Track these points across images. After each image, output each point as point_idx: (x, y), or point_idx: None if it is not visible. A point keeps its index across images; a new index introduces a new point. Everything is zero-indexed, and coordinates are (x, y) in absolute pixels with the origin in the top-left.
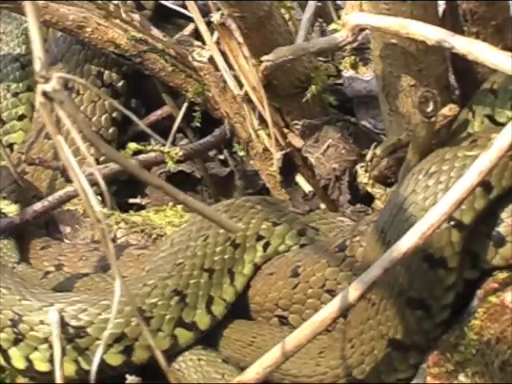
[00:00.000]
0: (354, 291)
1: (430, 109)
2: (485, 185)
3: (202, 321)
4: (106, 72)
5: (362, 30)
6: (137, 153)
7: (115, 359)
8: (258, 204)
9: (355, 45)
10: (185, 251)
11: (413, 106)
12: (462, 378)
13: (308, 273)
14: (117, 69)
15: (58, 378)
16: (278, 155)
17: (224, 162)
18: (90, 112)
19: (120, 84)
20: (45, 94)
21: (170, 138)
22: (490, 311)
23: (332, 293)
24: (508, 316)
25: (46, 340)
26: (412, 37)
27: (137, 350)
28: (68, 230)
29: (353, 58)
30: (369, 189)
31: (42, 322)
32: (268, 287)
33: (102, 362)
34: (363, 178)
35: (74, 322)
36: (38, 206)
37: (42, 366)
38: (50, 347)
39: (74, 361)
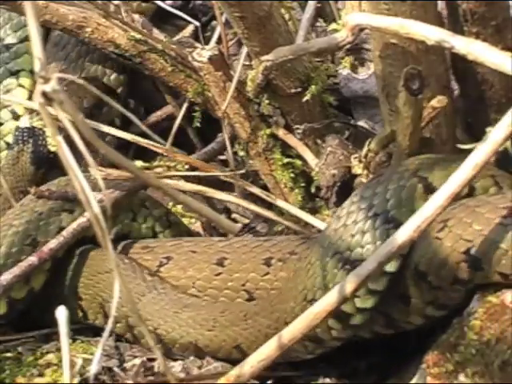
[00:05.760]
0: (349, 285)
1: (415, 86)
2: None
3: None
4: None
5: (362, 29)
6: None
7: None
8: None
9: (349, 46)
10: None
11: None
12: (461, 378)
13: (233, 267)
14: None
15: (67, 377)
16: None
17: (224, 162)
18: None
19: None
20: (44, 94)
21: (170, 139)
22: (489, 311)
23: (249, 293)
24: (508, 316)
25: None
26: (412, 37)
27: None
28: None
29: (349, 58)
30: (363, 180)
31: None
32: (189, 264)
33: None
34: (357, 168)
35: None
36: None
37: None
38: None
39: None
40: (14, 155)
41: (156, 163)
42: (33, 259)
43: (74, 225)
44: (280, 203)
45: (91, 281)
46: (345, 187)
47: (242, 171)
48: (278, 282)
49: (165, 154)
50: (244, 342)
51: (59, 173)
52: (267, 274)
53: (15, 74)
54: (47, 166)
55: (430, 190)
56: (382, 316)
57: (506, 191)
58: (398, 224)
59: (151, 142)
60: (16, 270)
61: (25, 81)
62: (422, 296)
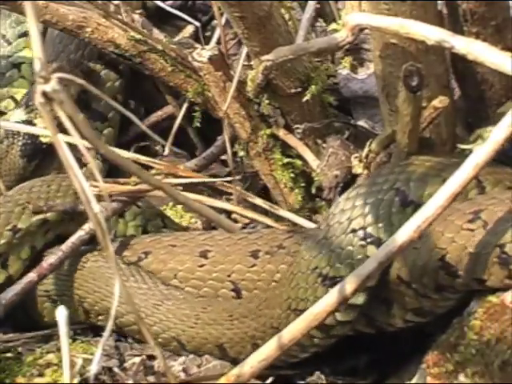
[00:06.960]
0: (349, 285)
1: (414, 83)
2: None
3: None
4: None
5: (362, 29)
6: None
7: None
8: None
9: (349, 46)
10: None
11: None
12: (461, 378)
13: (217, 259)
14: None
15: (67, 377)
16: None
17: (224, 162)
18: None
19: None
20: (44, 94)
21: (170, 139)
22: (489, 311)
23: (234, 284)
24: (508, 316)
25: None
26: (412, 37)
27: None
28: None
29: (349, 58)
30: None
31: None
32: (170, 256)
33: None
34: (358, 168)
35: None
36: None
37: None
38: None
39: None
40: (3, 149)
41: (153, 171)
42: (32, 275)
43: (73, 239)
44: (278, 211)
45: (66, 281)
46: (347, 188)
47: (238, 177)
48: (265, 274)
49: (165, 171)
50: (228, 342)
51: (52, 162)
52: (254, 265)
53: (17, 66)
54: (41, 156)
55: (407, 203)
56: (364, 317)
57: (488, 191)
58: (375, 239)
59: (150, 159)
60: (16, 288)
61: (26, 72)
62: (407, 303)
